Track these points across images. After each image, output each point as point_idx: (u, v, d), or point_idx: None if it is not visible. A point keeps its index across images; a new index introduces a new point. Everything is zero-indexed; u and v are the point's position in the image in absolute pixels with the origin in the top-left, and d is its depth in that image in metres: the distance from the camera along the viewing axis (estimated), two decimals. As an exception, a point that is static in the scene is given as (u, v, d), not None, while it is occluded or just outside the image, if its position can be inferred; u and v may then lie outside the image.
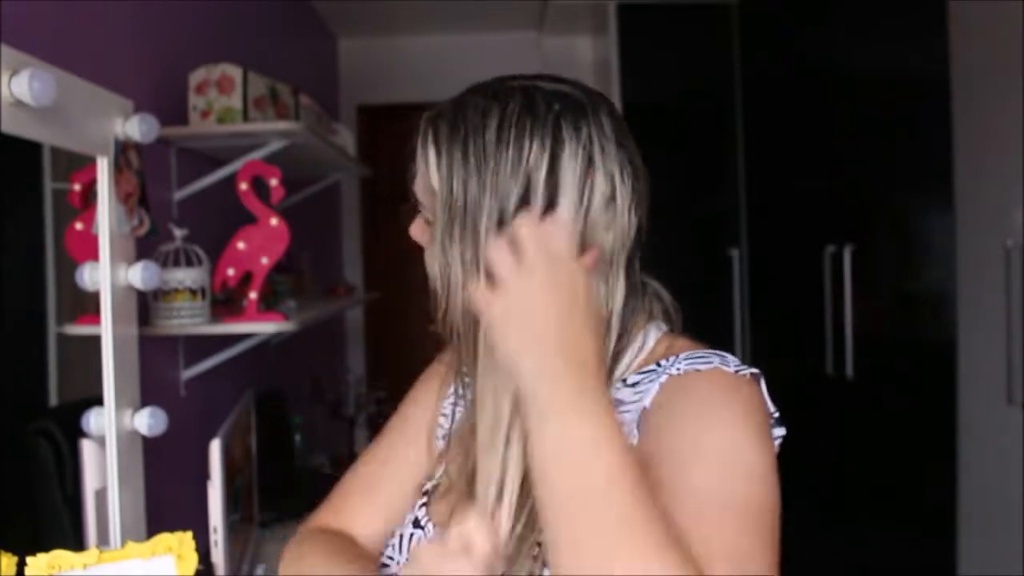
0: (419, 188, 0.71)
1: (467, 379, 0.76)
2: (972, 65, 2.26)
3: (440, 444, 0.81)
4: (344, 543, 0.79)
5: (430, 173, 0.68)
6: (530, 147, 0.64)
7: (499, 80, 0.71)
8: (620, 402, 0.67)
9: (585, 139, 0.66)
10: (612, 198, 0.66)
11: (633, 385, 0.68)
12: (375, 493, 0.81)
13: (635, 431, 0.65)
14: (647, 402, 0.65)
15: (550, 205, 0.64)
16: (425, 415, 0.83)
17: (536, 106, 0.66)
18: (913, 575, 2.39)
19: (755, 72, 2.57)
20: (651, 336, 0.72)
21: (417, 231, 0.74)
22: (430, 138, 0.69)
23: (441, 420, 0.82)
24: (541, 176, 0.64)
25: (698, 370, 0.65)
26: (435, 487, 0.77)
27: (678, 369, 0.66)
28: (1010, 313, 2.10)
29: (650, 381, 0.67)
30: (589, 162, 0.65)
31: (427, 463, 0.81)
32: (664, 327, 0.74)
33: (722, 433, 0.61)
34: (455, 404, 0.80)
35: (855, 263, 2.38)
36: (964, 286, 2.34)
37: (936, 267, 2.40)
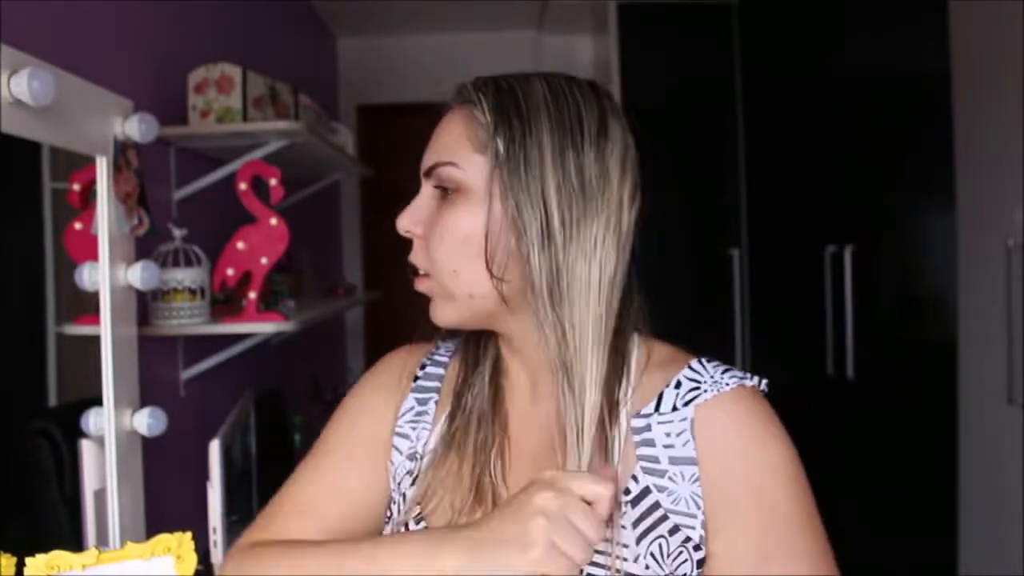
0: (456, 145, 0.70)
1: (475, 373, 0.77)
2: (973, 64, 2.25)
3: (404, 462, 0.77)
4: (300, 543, 0.74)
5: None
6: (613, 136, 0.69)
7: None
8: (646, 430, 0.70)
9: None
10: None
11: (652, 414, 0.70)
12: (320, 519, 0.76)
13: (690, 436, 0.69)
14: (692, 414, 0.70)
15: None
16: (375, 428, 0.79)
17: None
18: (914, 575, 2.39)
19: (755, 72, 2.57)
20: (634, 342, 0.74)
21: (411, 221, 0.72)
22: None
23: (397, 440, 0.78)
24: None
25: (744, 384, 0.71)
26: (413, 509, 0.74)
27: (717, 387, 0.70)
28: (1011, 313, 2.10)
29: (683, 400, 0.70)
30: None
31: (379, 483, 0.78)
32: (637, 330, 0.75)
33: (779, 454, 0.68)
34: (416, 423, 0.78)
35: (855, 263, 2.38)
36: (965, 286, 2.34)
37: (937, 267, 2.39)
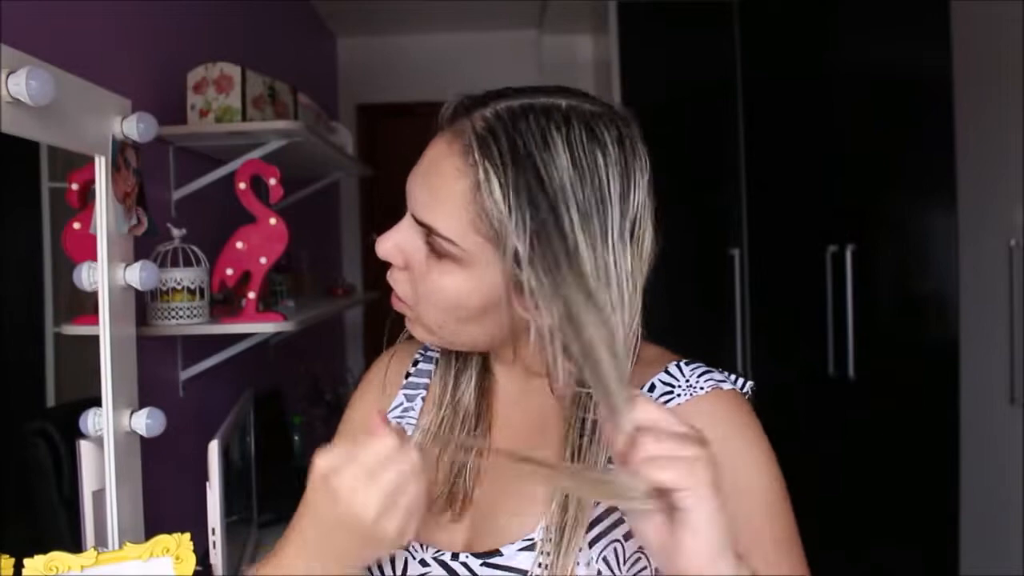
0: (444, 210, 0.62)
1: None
2: (973, 64, 2.25)
3: None
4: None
5: (490, 196, 0.59)
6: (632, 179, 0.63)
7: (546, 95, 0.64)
8: None
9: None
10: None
11: None
12: None
13: None
14: None
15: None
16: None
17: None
18: (915, 575, 2.39)
19: (755, 72, 2.57)
20: None
21: (393, 251, 0.68)
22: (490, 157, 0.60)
23: None
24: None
25: (721, 388, 0.68)
26: None
27: (691, 391, 0.68)
28: (1013, 313, 2.10)
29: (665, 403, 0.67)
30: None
31: None
32: None
33: (749, 463, 0.65)
34: (401, 419, 0.78)
35: (857, 263, 2.37)
36: (967, 286, 2.33)
37: (938, 267, 2.39)
